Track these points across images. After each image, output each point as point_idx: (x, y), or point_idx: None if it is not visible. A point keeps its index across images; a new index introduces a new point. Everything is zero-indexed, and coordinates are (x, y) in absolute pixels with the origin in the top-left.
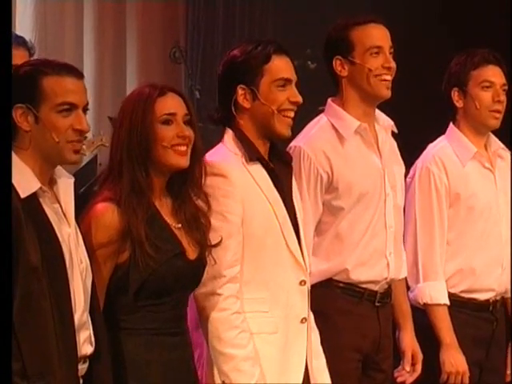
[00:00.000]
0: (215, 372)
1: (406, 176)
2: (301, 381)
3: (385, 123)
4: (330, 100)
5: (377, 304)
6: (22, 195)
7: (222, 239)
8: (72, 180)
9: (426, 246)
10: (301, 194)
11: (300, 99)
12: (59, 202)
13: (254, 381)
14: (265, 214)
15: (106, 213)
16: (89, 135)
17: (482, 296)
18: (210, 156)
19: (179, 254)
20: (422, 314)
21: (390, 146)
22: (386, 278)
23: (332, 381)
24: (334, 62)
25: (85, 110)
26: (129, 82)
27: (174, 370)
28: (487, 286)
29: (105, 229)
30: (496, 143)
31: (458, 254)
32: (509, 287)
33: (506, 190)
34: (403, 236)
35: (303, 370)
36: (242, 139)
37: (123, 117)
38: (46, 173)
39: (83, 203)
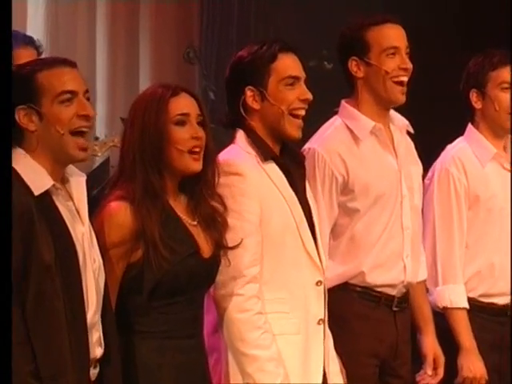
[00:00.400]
0: (237, 374)
1: (423, 177)
2: (320, 382)
3: (400, 123)
4: (343, 101)
5: (394, 309)
6: (36, 193)
7: (241, 241)
8: (84, 178)
9: (444, 248)
10: (315, 196)
11: (310, 96)
12: (72, 200)
13: (279, 381)
14: (282, 213)
15: (119, 211)
16: (101, 136)
17: (500, 300)
18: (224, 155)
19: (194, 253)
20: (440, 318)
21: (406, 146)
22: (402, 282)
23: None
24: (349, 63)
25: (86, 96)
26: (142, 83)
27: (186, 374)
28: (506, 289)
29: (118, 228)
30: None
31: (477, 256)
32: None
33: None
34: (422, 238)
35: (322, 372)
36: (255, 139)
37: (135, 117)
38: (58, 171)
39: (96, 205)
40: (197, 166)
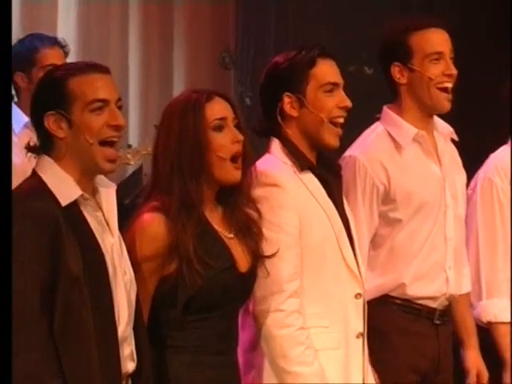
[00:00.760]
0: None
1: (467, 186)
2: None
3: (444, 130)
4: (385, 107)
5: (436, 322)
6: (63, 203)
7: (278, 250)
8: (114, 188)
9: (488, 261)
10: (355, 205)
11: (349, 103)
12: (102, 211)
13: None
14: (321, 224)
15: (153, 223)
16: (134, 144)
17: None
18: (260, 166)
19: (229, 267)
20: (483, 332)
21: (451, 154)
22: (444, 294)
23: None
24: (391, 69)
25: (118, 105)
26: (176, 89)
27: None
28: None
29: (151, 241)
30: None
31: None
32: None
33: None
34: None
35: None
36: (291, 148)
37: (169, 124)
38: (87, 181)
39: (128, 215)
40: (237, 175)
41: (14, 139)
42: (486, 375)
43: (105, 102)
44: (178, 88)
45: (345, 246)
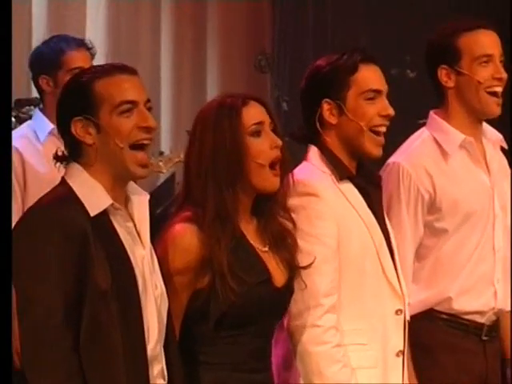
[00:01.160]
0: None
1: None
2: None
3: (493, 137)
4: (432, 112)
5: (484, 338)
6: (92, 213)
7: (314, 260)
8: (147, 197)
9: None
10: (399, 214)
11: (392, 112)
12: (133, 221)
13: None
14: (361, 236)
15: (185, 235)
16: (166, 151)
17: None
18: (297, 174)
19: (264, 281)
20: None
21: (499, 162)
22: (493, 308)
23: None
24: (438, 72)
25: (147, 106)
26: (209, 93)
27: None
28: None
29: (183, 253)
30: None
31: None
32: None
33: None
34: None
35: None
36: (330, 157)
37: (203, 131)
38: (118, 189)
39: (160, 225)
40: (276, 183)
41: (39, 147)
42: None
43: (133, 103)
44: (212, 92)
45: (385, 260)
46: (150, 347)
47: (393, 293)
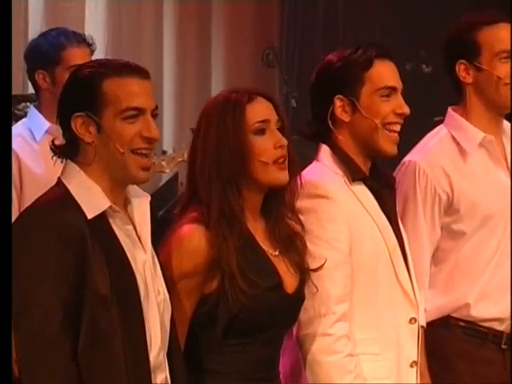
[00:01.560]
0: None
1: None
2: None
3: None
4: (450, 109)
5: (503, 346)
6: (89, 215)
7: (325, 262)
8: (148, 198)
9: None
10: (415, 215)
11: (407, 110)
12: (133, 224)
13: None
14: (374, 241)
15: (193, 237)
16: (169, 150)
17: None
18: (308, 175)
19: (276, 286)
20: None
21: None
22: None
23: None
24: (456, 67)
25: (153, 114)
26: (214, 90)
27: None
28: None
29: (190, 255)
30: None
31: None
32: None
33: None
34: None
35: None
36: (342, 157)
37: (207, 128)
38: (118, 191)
39: (162, 228)
40: (284, 176)
41: (35, 147)
42: None
43: (140, 110)
44: (217, 88)
45: (399, 265)
46: (152, 355)
47: (406, 300)
